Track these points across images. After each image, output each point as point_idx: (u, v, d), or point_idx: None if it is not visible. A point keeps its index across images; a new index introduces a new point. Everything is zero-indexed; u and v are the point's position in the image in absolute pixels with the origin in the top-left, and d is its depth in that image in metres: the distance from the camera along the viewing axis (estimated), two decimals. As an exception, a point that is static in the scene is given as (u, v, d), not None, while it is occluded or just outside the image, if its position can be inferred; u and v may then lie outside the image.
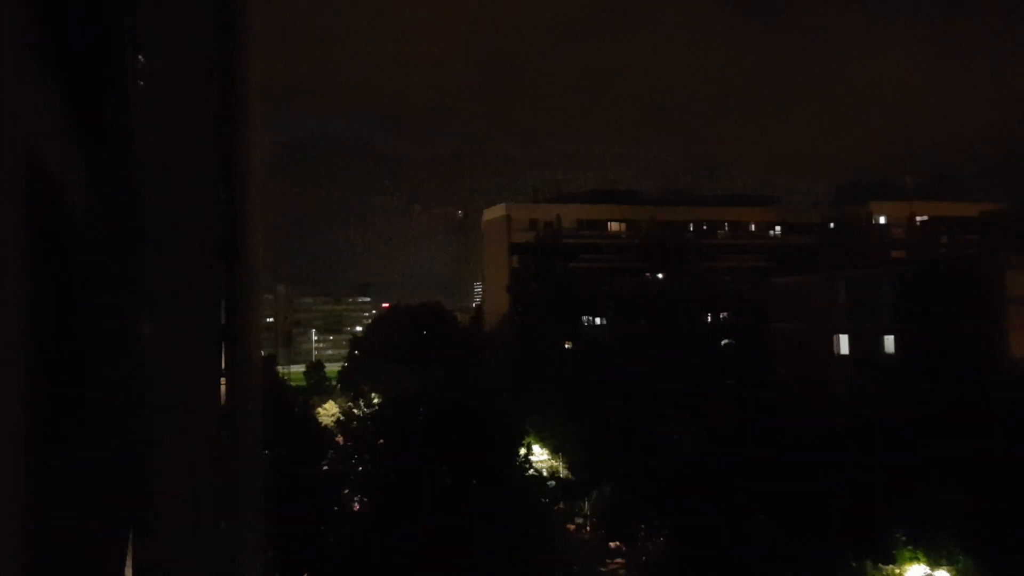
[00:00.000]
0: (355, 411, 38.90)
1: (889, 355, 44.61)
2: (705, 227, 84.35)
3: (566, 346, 63.96)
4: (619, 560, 32.83)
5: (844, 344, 48.17)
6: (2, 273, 1.22)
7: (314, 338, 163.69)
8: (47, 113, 1.35)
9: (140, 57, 1.67)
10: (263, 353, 2.11)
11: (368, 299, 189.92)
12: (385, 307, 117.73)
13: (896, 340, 44.30)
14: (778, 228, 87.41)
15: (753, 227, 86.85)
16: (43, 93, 1.33)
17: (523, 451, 33.02)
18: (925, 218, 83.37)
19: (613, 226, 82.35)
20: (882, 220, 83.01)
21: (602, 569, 32.26)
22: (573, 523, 35.62)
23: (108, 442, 1.68)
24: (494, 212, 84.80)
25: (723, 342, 65.50)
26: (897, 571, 24.54)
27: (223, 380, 1.78)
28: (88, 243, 1.61)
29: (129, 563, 1.66)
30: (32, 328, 1.26)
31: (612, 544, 33.34)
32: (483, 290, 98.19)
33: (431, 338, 67.51)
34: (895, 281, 46.54)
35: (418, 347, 62.79)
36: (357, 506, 30.69)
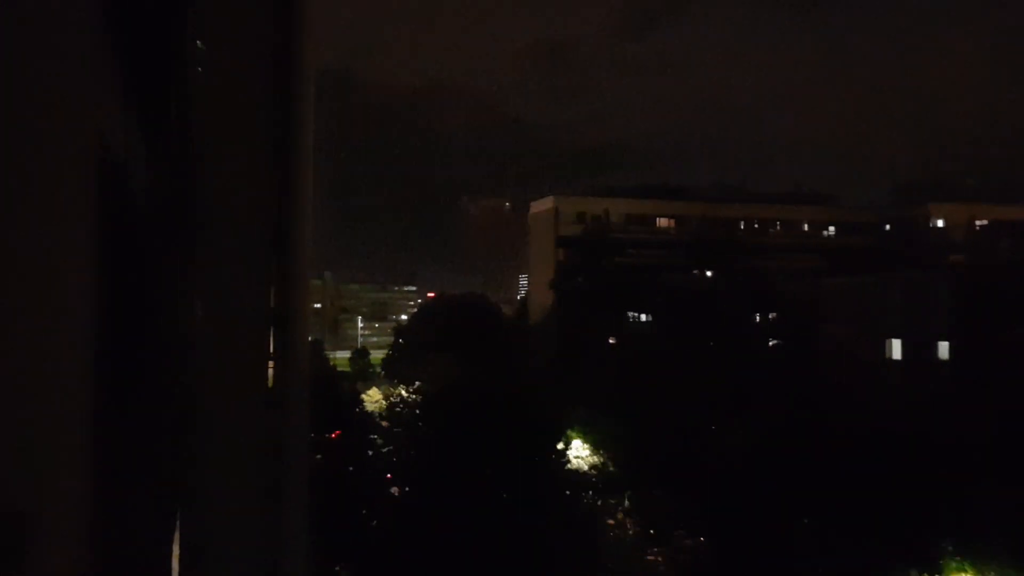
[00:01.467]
0: (399, 398, 39.29)
1: (943, 361, 43.52)
2: (756, 225, 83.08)
3: (610, 341, 63.67)
4: (657, 558, 32.65)
5: (896, 349, 47.12)
6: (76, 258, 1.25)
7: (360, 325, 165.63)
8: (113, 100, 1.38)
9: (199, 43, 1.69)
10: (310, 338, 2.13)
11: (414, 288, 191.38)
12: (430, 296, 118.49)
13: (951, 346, 43.19)
14: (832, 228, 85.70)
15: (806, 226, 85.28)
16: (109, 80, 1.36)
17: (561, 445, 32.99)
18: (985, 222, 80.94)
19: (662, 221, 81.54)
20: (940, 223, 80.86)
21: (639, 566, 32.12)
22: (612, 518, 35.51)
23: (159, 420, 1.71)
24: (542, 204, 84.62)
25: (771, 342, 64.57)
26: (943, 581, 24.04)
27: (271, 363, 1.81)
28: (149, 226, 1.65)
29: (177, 540, 1.70)
30: (101, 310, 1.30)
31: (651, 541, 33.17)
32: (528, 282, 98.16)
33: (475, 329, 67.76)
34: (952, 285, 45.36)
35: (462, 337, 63.07)
36: (397, 491, 31.03)
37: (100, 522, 1.31)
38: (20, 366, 1.21)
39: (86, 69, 1.26)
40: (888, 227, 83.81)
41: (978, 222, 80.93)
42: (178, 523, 1.68)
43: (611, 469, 37.88)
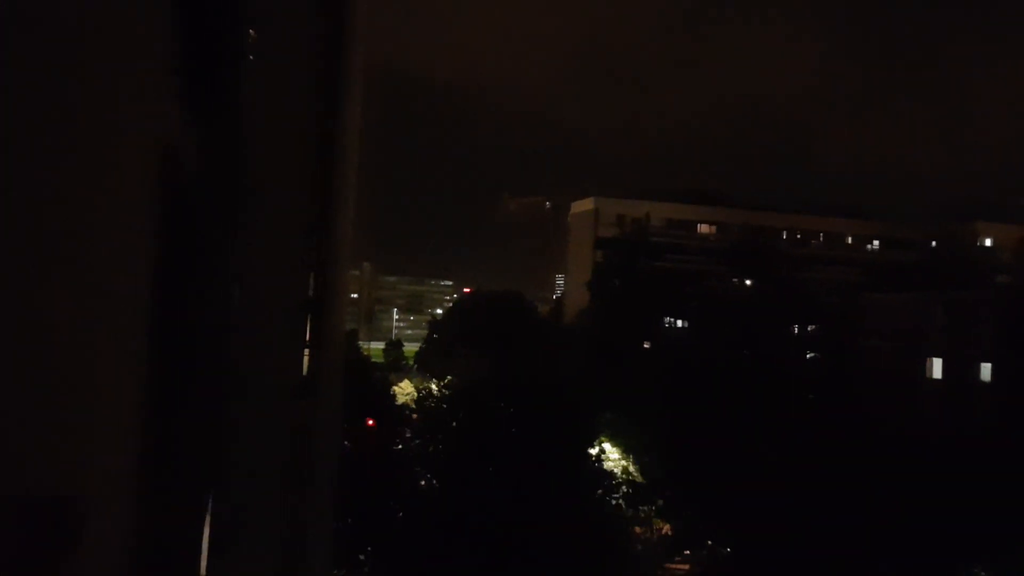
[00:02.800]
0: (432, 392, 39.45)
1: (985, 383, 42.58)
2: (799, 236, 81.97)
3: (645, 346, 63.24)
4: (684, 566, 32.41)
5: (937, 368, 46.19)
6: (136, 247, 1.29)
7: (395, 317, 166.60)
8: (172, 89, 1.41)
9: (251, 32, 1.72)
10: (346, 328, 2.16)
11: (450, 283, 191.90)
12: (466, 291, 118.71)
13: (993, 368, 42.23)
14: (876, 242, 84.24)
15: (850, 239, 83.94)
16: (170, 69, 1.39)
17: (594, 450, 32.87)
18: (1035, 243, 78.98)
19: (702, 227, 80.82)
20: (988, 242, 79.07)
21: (666, 573, 31.92)
22: (640, 525, 35.31)
23: (197, 405, 1.75)
24: (582, 205, 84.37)
25: (808, 355, 63.67)
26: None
27: (307, 351, 1.83)
28: (198, 213, 1.68)
29: (208, 521, 1.73)
30: (155, 297, 1.34)
31: (678, 549, 32.93)
32: (565, 282, 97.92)
33: (509, 326, 67.72)
34: (997, 306, 44.33)
35: (496, 334, 63.09)
36: (424, 483, 31.16)
37: (142, 504, 1.34)
38: (76, 356, 1.25)
39: (150, 60, 1.29)
40: (934, 244, 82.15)
41: (1028, 243, 78.98)
42: (210, 503, 1.72)
43: (640, 476, 37.67)
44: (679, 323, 72.66)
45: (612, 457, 40.10)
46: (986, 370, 42.76)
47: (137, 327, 1.32)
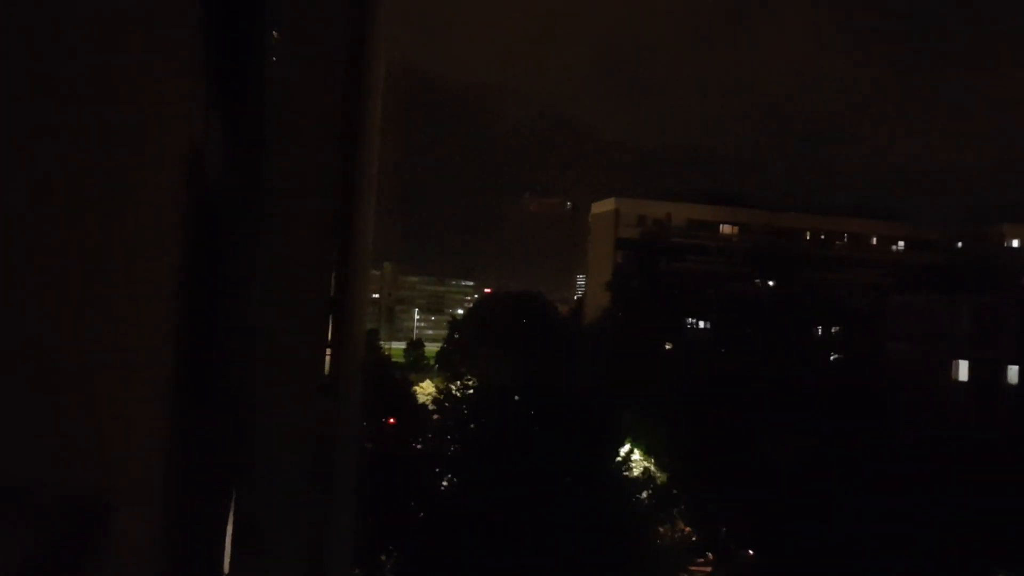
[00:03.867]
0: (452, 392, 39.51)
1: (1012, 386, 42.02)
2: (823, 237, 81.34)
3: (666, 347, 62.99)
4: (707, 568, 32.28)
5: (963, 371, 45.65)
6: (162, 250, 1.31)
7: (416, 317, 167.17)
8: (198, 90, 1.43)
9: (274, 33, 1.73)
10: (367, 328, 2.17)
11: (471, 283, 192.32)
12: (487, 292, 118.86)
13: (1021, 371, 41.67)
14: (900, 243, 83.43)
15: (874, 240, 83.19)
16: (196, 71, 1.41)
17: (623, 451, 32.76)
18: (1063, 244, 77.89)
19: (724, 229, 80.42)
20: (1015, 243, 78.07)
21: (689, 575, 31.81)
22: (664, 526, 35.18)
23: (222, 404, 1.76)
24: (603, 206, 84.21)
25: (832, 357, 63.14)
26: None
27: (328, 350, 1.84)
28: (221, 214, 1.69)
29: (231, 519, 1.74)
30: (181, 300, 1.36)
31: (701, 550, 32.80)
32: (586, 283, 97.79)
33: (530, 327, 67.69)
34: (1022, 309, 43.74)
35: (517, 335, 63.07)
36: (445, 484, 31.22)
37: (168, 503, 1.36)
38: (104, 357, 1.28)
39: (176, 62, 1.31)
40: (960, 245, 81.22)
41: (1056, 244, 77.92)
42: (233, 502, 1.73)
43: (663, 477, 37.54)
44: (701, 324, 72.30)
45: (634, 458, 39.98)
46: (1013, 372, 42.21)
47: (163, 329, 1.34)
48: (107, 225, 1.28)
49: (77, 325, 1.27)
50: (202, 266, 1.62)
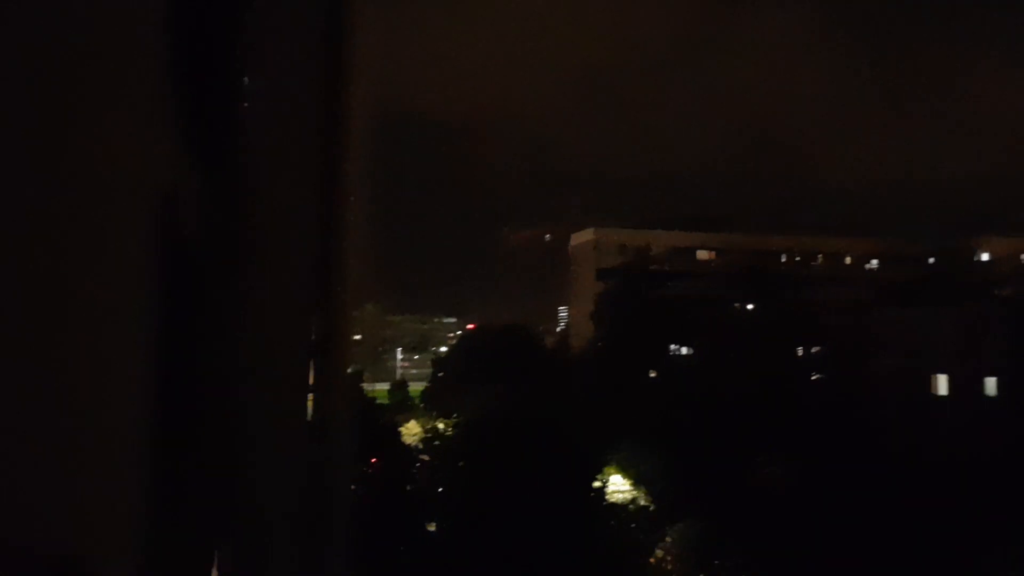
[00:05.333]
0: (440, 431, 39.21)
1: (991, 398, 42.35)
2: (798, 257, 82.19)
3: (651, 375, 62.99)
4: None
5: (943, 384, 45.97)
6: (135, 288, 1.27)
7: (399, 356, 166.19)
8: (168, 133, 1.41)
9: (245, 79, 1.72)
10: (350, 369, 2.14)
11: (454, 319, 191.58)
12: (470, 327, 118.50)
13: (999, 383, 42.02)
14: (875, 260, 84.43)
15: (849, 258, 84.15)
16: (165, 114, 1.38)
17: (598, 483, 32.59)
18: (1034, 255, 79.23)
19: (702, 254, 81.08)
20: (986, 256, 79.27)
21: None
22: (654, 556, 34.90)
23: (203, 455, 1.72)
24: (582, 236, 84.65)
25: (814, 376, 63.38)
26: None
27: (312, 395, 1.80)
28: (198, 258, 1.67)
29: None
30: (157, 338, 1.32)
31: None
32: (569, 314, 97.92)
33: (514, 360, 67.49)
34: (999, 320, 44.24)
35: (501, 369, 62.85)
36: (434, 526, 30.85)
37: (149, 558, 1.31)
38: (78, 412, 1.23)
39: (147, 105, 1.29)
40: (932, 260, 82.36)
41: (1025, 255, 79.24)
42: (216, 557, 1.68)
43: (651, 505, 37.32)
44: (685, 350, 72.47)
45: (622, 487, 39.72)
46: (991, 384, 42.56)
47: (139, 380, 1.30)
48: (74, 276, 1.22)
49: (47, 379, 1.22)
50: (179, 314, 1.58)
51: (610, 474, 38.22)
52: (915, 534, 25.30)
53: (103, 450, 1.25)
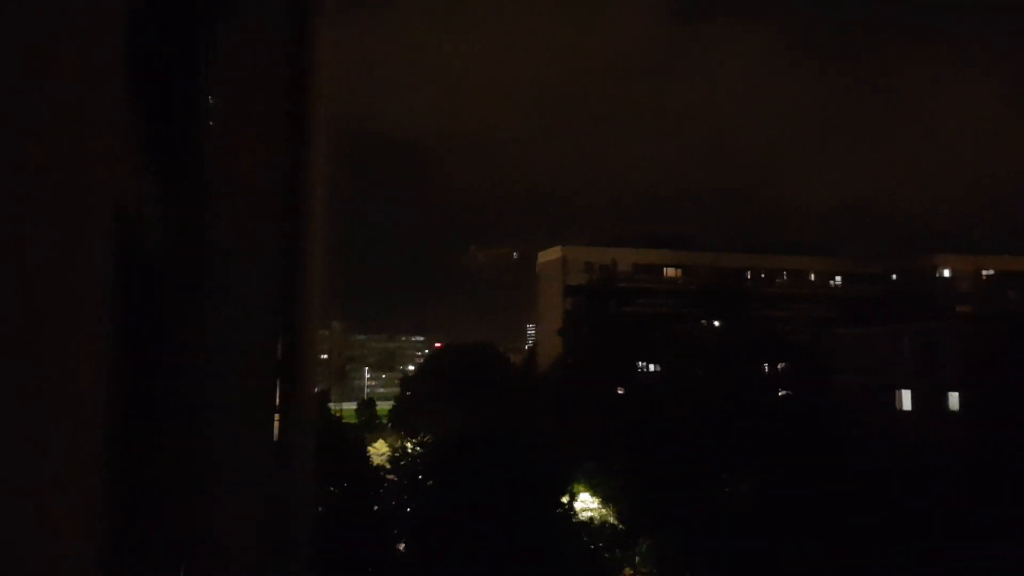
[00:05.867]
0: (406, 450, 38.90)
1: (953, 412, 43.07)
2: (763, 275, 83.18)
3: (619, 392, 63.19)
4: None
5: (907, 400, 46.66)
6: (93, 305, 1.25)
7: (366, 375, 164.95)
8: (130, 153, 1.40)
9: (210, 99, 1.72)
10: (316, 389, 2.13)
11: (421, 338, 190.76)
12: (438, 346, 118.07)
13: (961, 397, 42.77)
14: (838, 278, 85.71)
15: (813, 276, 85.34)
16: (127, 133, 1.38)
17: (566, 499, 32.55)
18: (991, 272, 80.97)
19: (669, 271, 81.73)
20: (947, 273, 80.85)
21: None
22: (623, 573, 34.86)
23: (167, 476, 1.70)
24: (549, 254, 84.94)
25: (780, 393, 64.00)
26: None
27: (277, 415, 1.79)
28: (161, 278, 1.66)
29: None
30: (118, 356, 1.30)
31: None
32: (536, 332, 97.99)
33: (482, 379, 67.40)
34: (960, 336, 45.08)
35: (469, 387, 62.71)
36: (403, 546, 30.53)
37: (110, 566, 1.29)
38: (32, 437, 1.19)
39: (106, 124, 1.28)
40: (895, 277, 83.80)
41: (984, 272, 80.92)
42: (182, 570, 1.66)
43: (618, 523, 37.31)
44: (652, 367, 72.81)
45: (590, 505, 39.69)
46: (954, 399, 43.28)
47: (100, 397, 1.28)
48: (29, 289, 1.20)
49: (2, 404, 1.19)
50: (142, 333, 1.57)
51: (579, 492, 38.19)
52: (881, 545, 25.56)
53: (61, 471, 1.23)
